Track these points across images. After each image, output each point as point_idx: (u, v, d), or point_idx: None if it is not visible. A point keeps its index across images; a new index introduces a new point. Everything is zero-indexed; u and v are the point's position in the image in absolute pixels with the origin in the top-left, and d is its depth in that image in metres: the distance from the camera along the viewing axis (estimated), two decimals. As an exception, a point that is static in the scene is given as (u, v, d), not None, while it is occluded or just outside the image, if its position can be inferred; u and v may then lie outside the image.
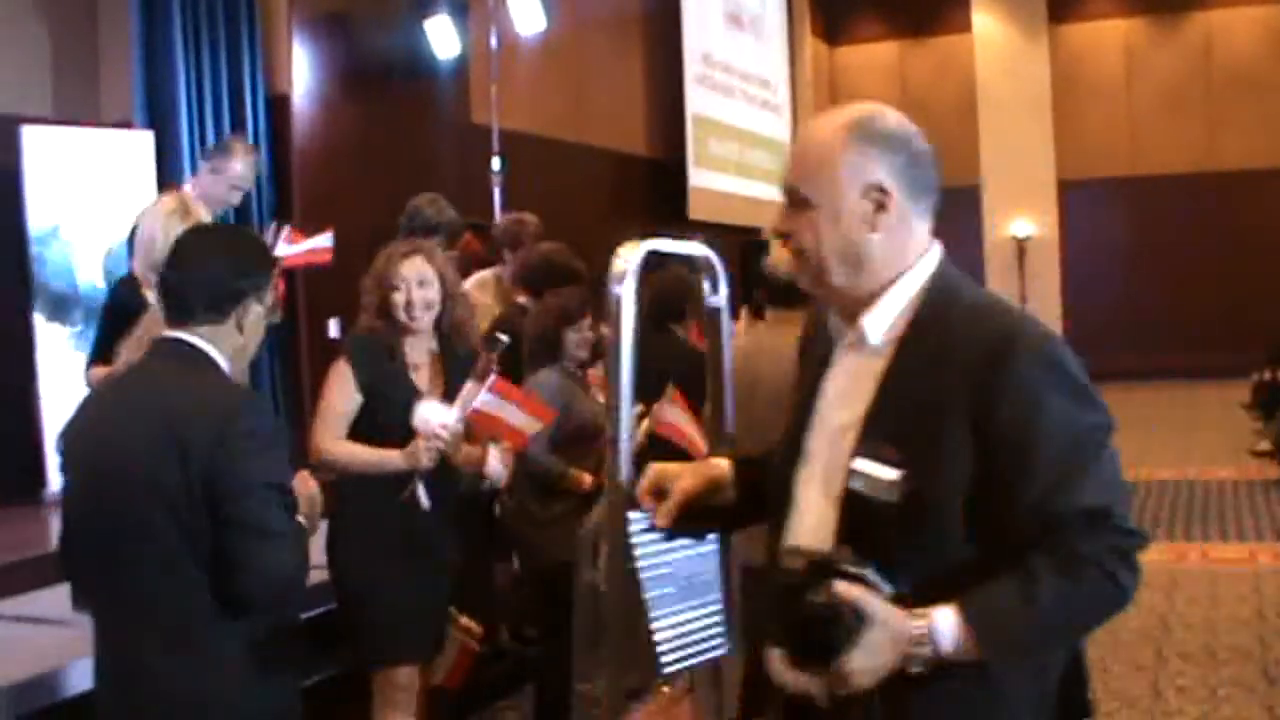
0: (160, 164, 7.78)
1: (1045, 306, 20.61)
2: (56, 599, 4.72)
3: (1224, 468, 11.24)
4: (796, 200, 1.96)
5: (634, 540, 2.06)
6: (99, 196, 7.46)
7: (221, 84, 8.35)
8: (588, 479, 4.67)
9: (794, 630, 1.77)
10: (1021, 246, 21.08)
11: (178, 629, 2.53)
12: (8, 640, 4.92)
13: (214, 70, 8.29)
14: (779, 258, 3.71)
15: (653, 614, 2.02)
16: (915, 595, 1.78)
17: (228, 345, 2.68)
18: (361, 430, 3.89)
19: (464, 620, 4.12)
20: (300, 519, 2.71)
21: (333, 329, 8.39)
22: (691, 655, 2.08)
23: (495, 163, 10.07)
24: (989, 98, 21.05)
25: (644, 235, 2.22)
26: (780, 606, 1.79)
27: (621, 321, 2.11)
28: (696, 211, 14.62)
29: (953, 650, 1.75)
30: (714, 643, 2.14)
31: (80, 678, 4.21)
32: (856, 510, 1.86)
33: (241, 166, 5.37)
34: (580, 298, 4.87)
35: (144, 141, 7.81)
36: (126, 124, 8.03)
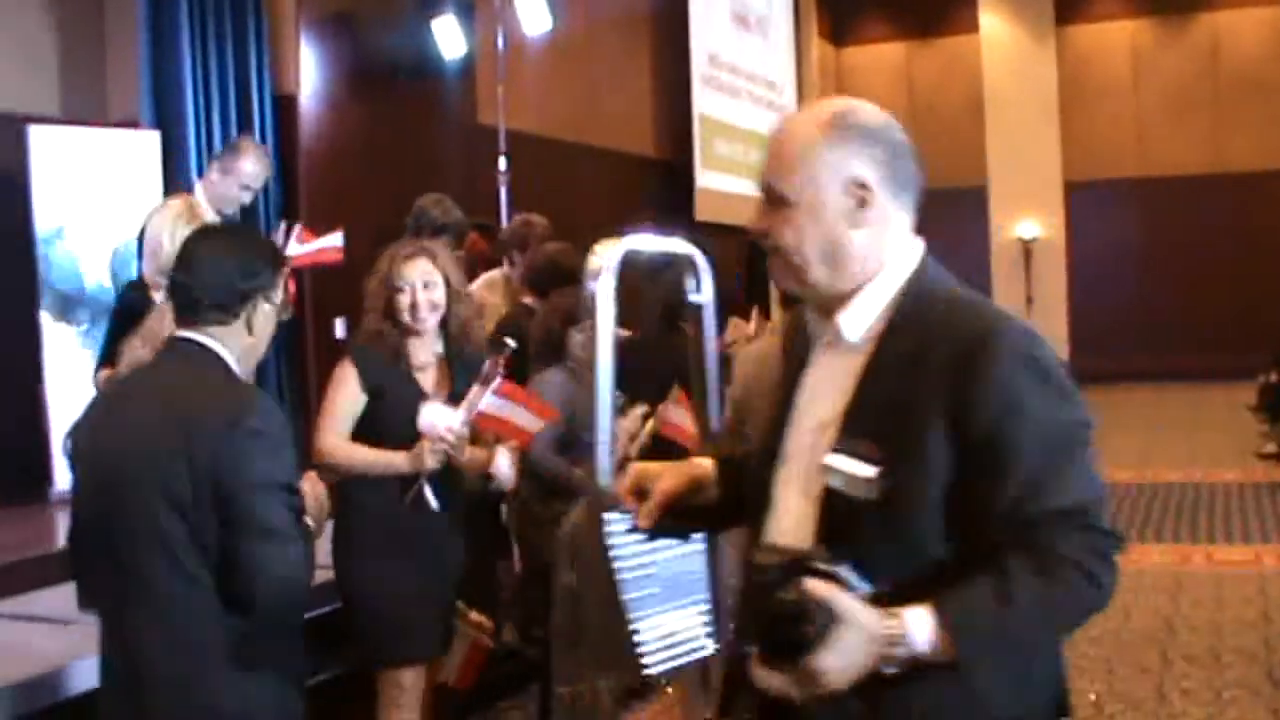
0: (167, 164, 7.78)
1: (1051, 308, 20.62)
2: (60, 598, 4.74)
3: (1230, 470, 11.23)
4: (775, 198, 1.93)
5: (614, 541, 2.03)
6: (106, 196, 7.47)
7: (228, 84, 8.35)
8: (592, 479, 4.67)
9: (764, 628, 1.74)
10: (1028, 248, 21.06)
11: (183, 628, 2.54)
12: (11, 640, 4.92)
13: (221, 70, 8.29)
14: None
15: (634, 615, 2.00)
16: (894, 595, 1.75)
17: (237, 345, 2.69)
18: (366, 432, 3.88)
19: (473, 615, 4.11)
20: (307, 520, 2.71)
21: (339, 329, 8.40)
22: (677, 656, 2.06)
23: (501, 163, 10.07)
24: (996, 99, 21.03)
25: (629, 231, 2.20)
26: (752, 604, 1.76)
27: (598, 319, 2.07)
28: (703, 213, 14.61)
29: (928, 651, 1.72)
30: (701, 643, 2.12)
31: (83, 677, 4.22)
32: (835, 509, 1.84)
33: (251, 166, 5.38)
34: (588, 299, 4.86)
35: (150, 141, 7.82)
36: (133, 124, 8.04)
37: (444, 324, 3.99)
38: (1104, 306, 20.27)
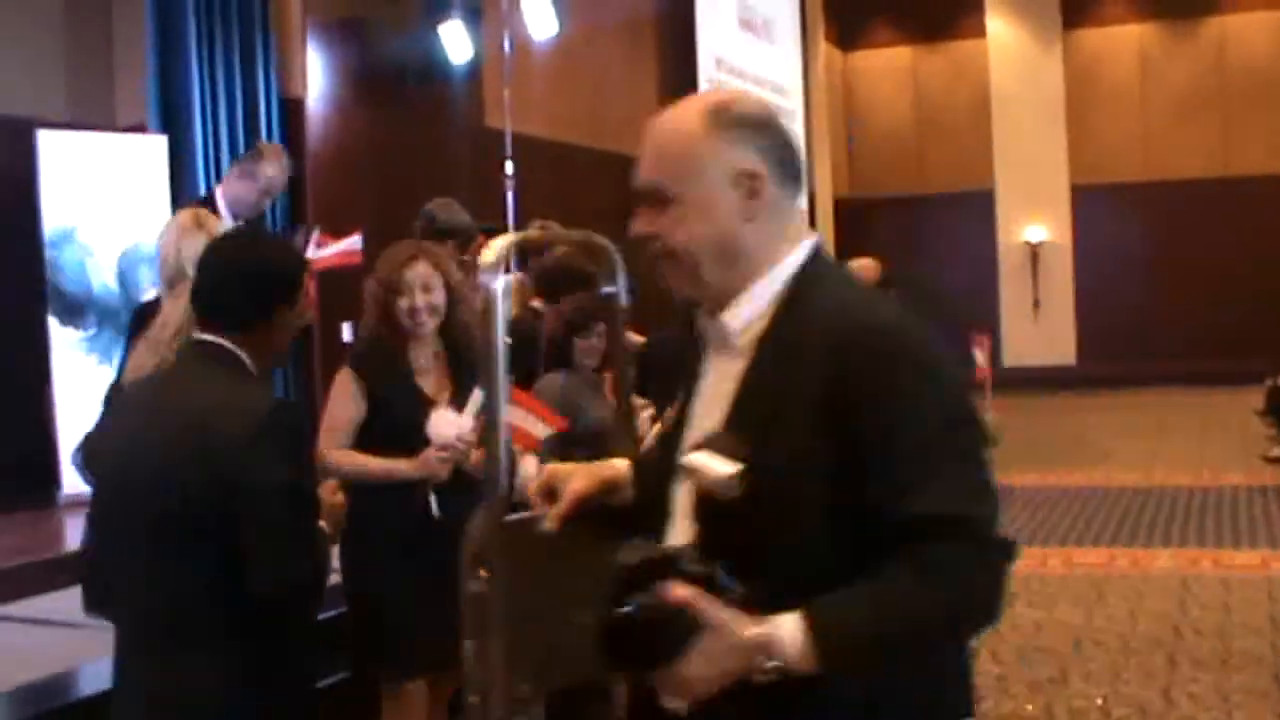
0: (174, 168, 7.80)
1: (1058, 311, 20.62)
2: (68, 602, 4.74)
3: (1237, 474, 11.20)
4: (660, 198, 1.83)
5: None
6: (113, 201, 7.49)
7: (235, 88, 8.37)
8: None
9: (612, 633, 1.61)
10: (1035, 251, 21.04)
11: (195, 629, 2.54)
12: (18, 643, 4.93)
13: (228, 75, 8.32)
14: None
15: (543, 622, 1.91)
16: (776, 599, 1.64)
17: (256, 348, 2.70)
18: (368, 438, 3.85)
19: None
20: (321, 524, 2.72)
21: (345, 333, 8.40)
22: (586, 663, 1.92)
23: (508, 167, 10.08)
24: (1003, 103, 21.02)
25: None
26: (606, 606, 1.62)
27: (491, 315, 1.98)
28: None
29: (798, 659, 1.61)
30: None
31: (91, 680, 4.22)
32: (706, 509, 1.75)
33: (272, 170, 5.40)
34: (588, 306, 4.86)
35: (158, 146, 7.83)
36: (141, 128, 8.07)
37: (445, 327, 3.93)
38: (1111, 310, 20.25)
